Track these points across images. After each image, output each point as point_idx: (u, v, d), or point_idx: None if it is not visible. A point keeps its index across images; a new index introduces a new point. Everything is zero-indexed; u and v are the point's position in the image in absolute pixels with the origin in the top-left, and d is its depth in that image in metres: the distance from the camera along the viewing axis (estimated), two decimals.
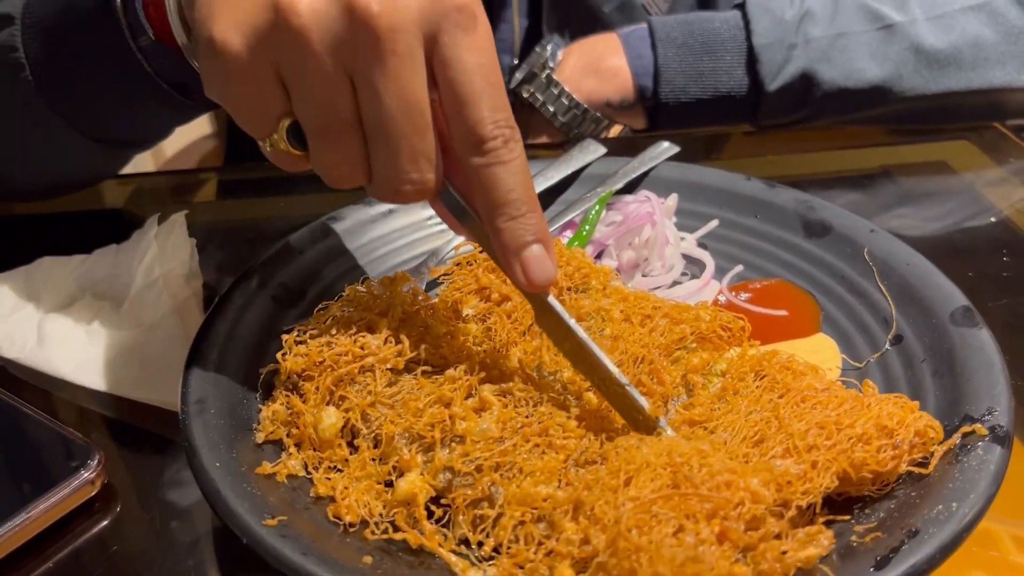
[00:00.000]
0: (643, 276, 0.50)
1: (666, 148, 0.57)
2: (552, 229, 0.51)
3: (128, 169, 0.64)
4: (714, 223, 0.52)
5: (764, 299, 0.47)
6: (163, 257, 0.54)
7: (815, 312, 0.47)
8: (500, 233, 0.34)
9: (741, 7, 0.66)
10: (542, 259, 0.35)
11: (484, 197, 0.34)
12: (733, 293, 0.48)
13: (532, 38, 0.74)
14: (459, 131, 0.33)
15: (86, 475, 0.38)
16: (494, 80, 0.33)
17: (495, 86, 0.33)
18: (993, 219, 0.57)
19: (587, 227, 0.51)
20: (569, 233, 0.52)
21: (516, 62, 0.75)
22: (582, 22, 0.72)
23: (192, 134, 1.30)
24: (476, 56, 0.33)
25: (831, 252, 0.48)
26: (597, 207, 0.52)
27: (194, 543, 0.38)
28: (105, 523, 0.39)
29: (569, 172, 0.56)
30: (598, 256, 0.51)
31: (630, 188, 0.55)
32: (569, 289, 0.44)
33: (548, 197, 0.55)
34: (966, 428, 0.35)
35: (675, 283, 0.50)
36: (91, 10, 0.45)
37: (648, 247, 0.50)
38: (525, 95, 0.67)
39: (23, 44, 0.49)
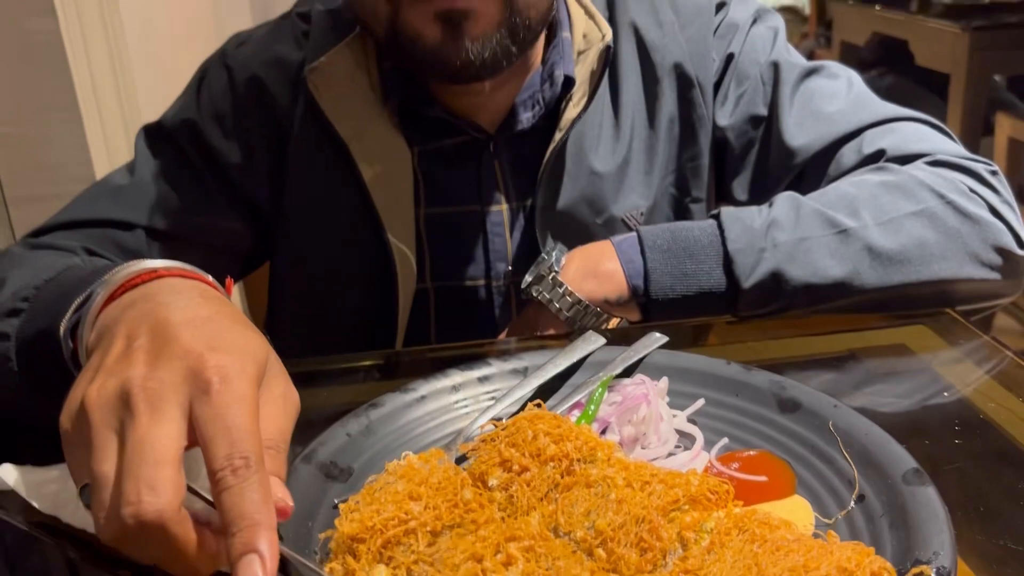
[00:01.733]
0: (642, 448, 0.58)
1: (657, 338, 0.66)
2: (562, 410, 0.60)
3: None
4: (701, 402, 0.60)
5: (747, 467, 0.55)
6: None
7: (791, 477, 0.54)
8: (229, 544, 0.40)
9: (716, 217, 0.77)
10: (250, 565, 0.39)
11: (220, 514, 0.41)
12: (720, 463, 0.55)
13: (524, 247, 0.86)
14: (207, 466, 0.42)
15: None
16: (229, 423, 0.41)
17: (229, 429, 0.41)
18: (947, 395, 0.66)
19: (592, 407, 0.60)
20: (576, 412, 0.60)
21: (510, 268, 0.86)
22: (571, 235, 0.83)
23: None
24: (210, 410, 0.41)
25: (802, 425, 0.56)
26: (600, 390, 0.61)
27: None
28: None
29: (575, 360, 0.65)
30: (603, 432, 0.59)
31: (627, 373, 0.63)
32: (578, 460, 0.51)
33: (558, 382, 0.63)
34: (915, 569, 0.42)
35: (670, 454, 0.57)
36: (52, 348, 0.56)
37: (645, 423, 0.58)
38: (535, 294, 0.77)
39: (15, 359, 0.61)
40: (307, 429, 0.63)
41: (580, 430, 0.54)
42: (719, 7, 0.90)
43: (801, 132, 0.85)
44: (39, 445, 0.62)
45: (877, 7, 2.90)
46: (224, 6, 2.02)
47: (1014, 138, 2.08)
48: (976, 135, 2.48)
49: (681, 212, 0.91)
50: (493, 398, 0.62)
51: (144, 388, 0.42)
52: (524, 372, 0.64)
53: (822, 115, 0.85)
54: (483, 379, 0.64)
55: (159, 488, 0.40)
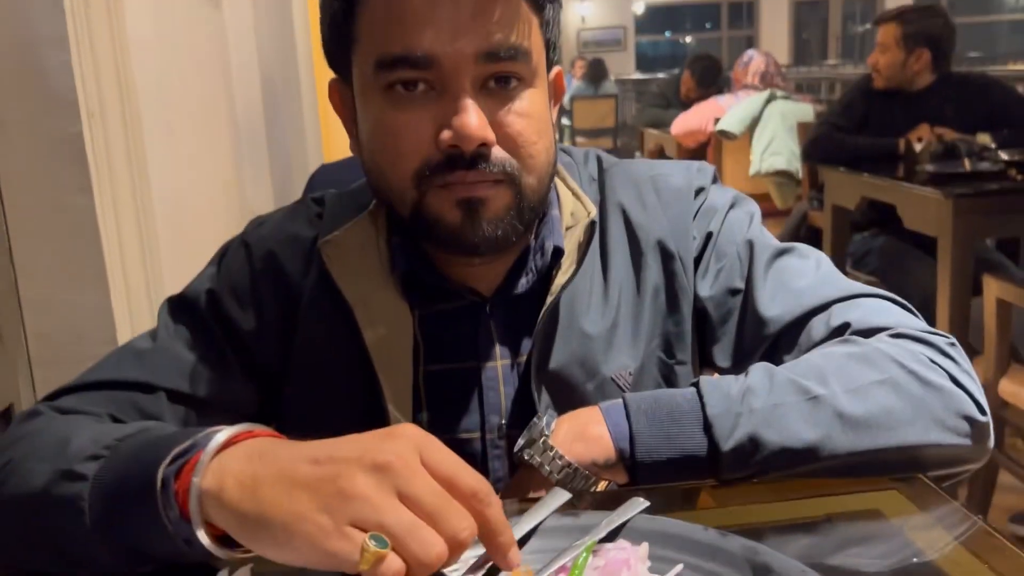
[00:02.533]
0: None
1: (639, 503, 0.71)
2: (547, 573, 0.63)
3: None
4: (680, 567, 0.64)
5: None
6: None
7: None
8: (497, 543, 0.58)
9: (696, 385, 0.82)
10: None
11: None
12: None
13: (518, 401, 0.91)
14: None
15: None
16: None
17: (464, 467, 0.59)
18: (916, 559, 0.69)
19: (576, 571, 0.63)
20: (563, 575, 0.64)
21: (504, 422, 0.92)
22: (563, 391, 0.89)
23: None
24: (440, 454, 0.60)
25: None
26: (584, 554, 0.64)
27: None
28: None
29: (546, 514, 0.69)
30: None
31: (611, 536, 0.67)
32: None
33: (545, 543, 0.67)
34: None
35: None
36: (138, 489, 0.63)
37: None
38: (526, 458, 0.81)
39: (88, 499, 0.67)
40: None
41: None
42: (698, 192, 0.99)
43: (773, 304, 0.92)
44: None
45: (865, 175, 3.05)
46: (249, 190, 2.17)
47: (1001, 299, 2.15)
48: (965, 295, 2.56)
49: (667, 373, 0.97)
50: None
51: (394, 453, 0.57)
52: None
53: (793, 290, 0.92)
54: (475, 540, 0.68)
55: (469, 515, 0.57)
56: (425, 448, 0.58)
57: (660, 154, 5.95)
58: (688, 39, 18.68)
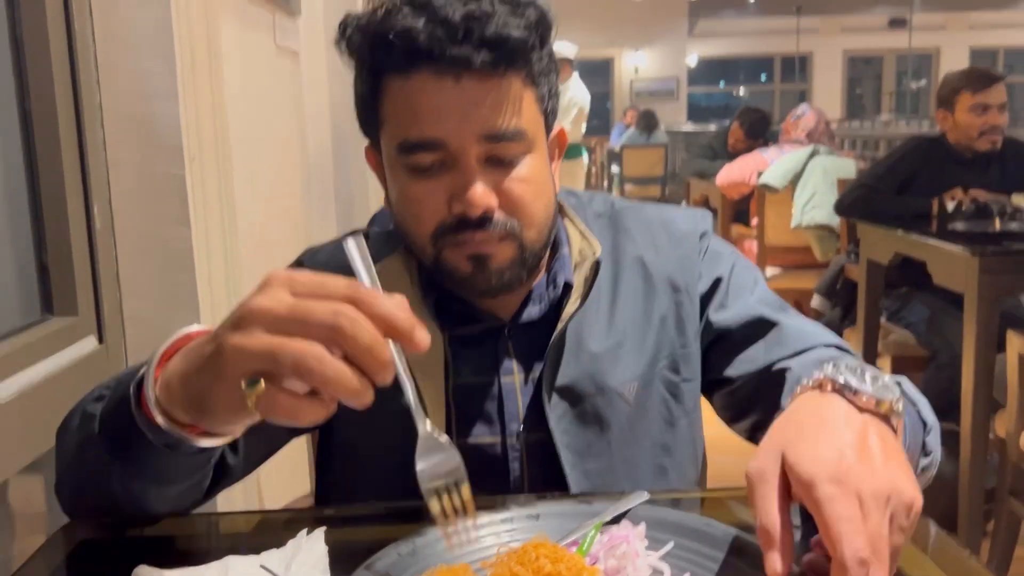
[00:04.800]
0: None
1: (642, 495, 0.86)
2: (563, 543, 0.78)
3: None
4: (670, 544, 0.79)
5: None
6: (303, 561, 0.81)
7: None
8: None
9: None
10: None
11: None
12: None
13: (533, 410, 1.04)
14: None
15: None
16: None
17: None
18: None
19: (586, 544, 0.78)
20: (574, 548, 0.79)
21: (521, 428, 1.05)
22: (573, 402, 1.03)
23: (292, 493, 1.61)
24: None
25: (751, 565, 0.74)
26: (593, 532, 0.80)
27: None
28: None
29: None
30: (593, 563, 0.77)
31: (616, 521, 0.82)
32: None
33: (561, 524, 0.82)
34: None
35: None
36: (122, 413, 0.78)
37: (625, 558, 0.76)
38: (838, 378, 0.78)
39: (99, 434, 0.82)
40: (366, 552, 0.82)
41: (572, 557, 0.73)
42: (702, 235, 1.16)
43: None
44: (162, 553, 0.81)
45: (899, 231, 3.15)
46: (315, 227, 2.37)
47: None
48: (991, 352, 2.64)
49: (673, 389, 1.11)
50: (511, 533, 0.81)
51: (254, 304, 0.62)
52: (537, 518, 0.84)
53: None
54: (504, 520, 0.84)
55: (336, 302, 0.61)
56: (293, 280, 0.62)
57: (705, 203, 6.08)
58: (741, 91, 18.83)
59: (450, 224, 0.97)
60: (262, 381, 0.60)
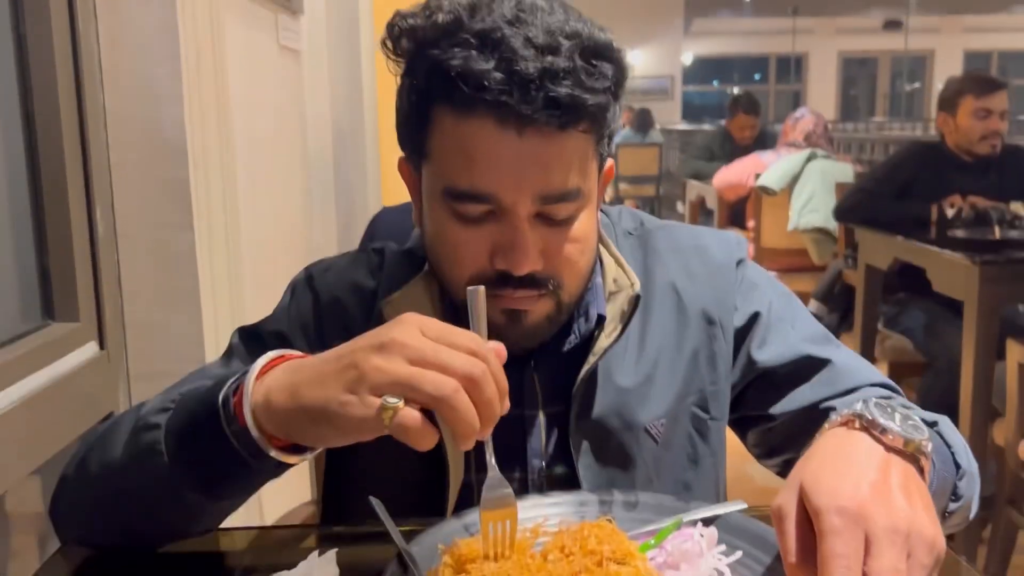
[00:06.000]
0: (675, 571, 0.76)
1: (739, 504, 0.86)
2: (636, 532, 0.80)
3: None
4: (738, 554, 0.78)
5: None
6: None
7: None
8: None
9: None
10: None
11: None
12: None
13: (557, 447, 1.00)
14: None
15: None
16: None
17: None
18: None
19: (659, 537, 0.80)
20: (649, 537, 0.80)
21: (543, 464, 1.00)
22: (601, 440, 0.99)
23: (292, 501, 1.59)
24: None
25: None
26: (671, 526, 0.81)
27: None
28: None
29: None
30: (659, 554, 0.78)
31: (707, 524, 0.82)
32: (608, 560, 0.71)
33: (649, 515, 0.85)
34: None
35: None
36: (204, 419, 0.78)
37: (687, 555, 0.77)
38: (866, 413, 0.77)
39: (164, 441, 0.81)
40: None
41: (623, 542, 0.74)
42: (738, 264, 1.09)
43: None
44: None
45: (899, 237, 3.14)
46: (316, 229, 2.35)
47: None
48: (990, 359, 2.64)
49: (700, 427, 1.05)
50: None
51: (396, 332, 0.70)
52: (635, 506, 0.87)
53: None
54: (603, 502, 0.88)
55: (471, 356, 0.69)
56: (424, 324, 0.70)
57: (701, 205, 6.09)
58: (735, 91, 18.84)
59: (489, 277, 0.90)
60: (401, 401, 0.66)
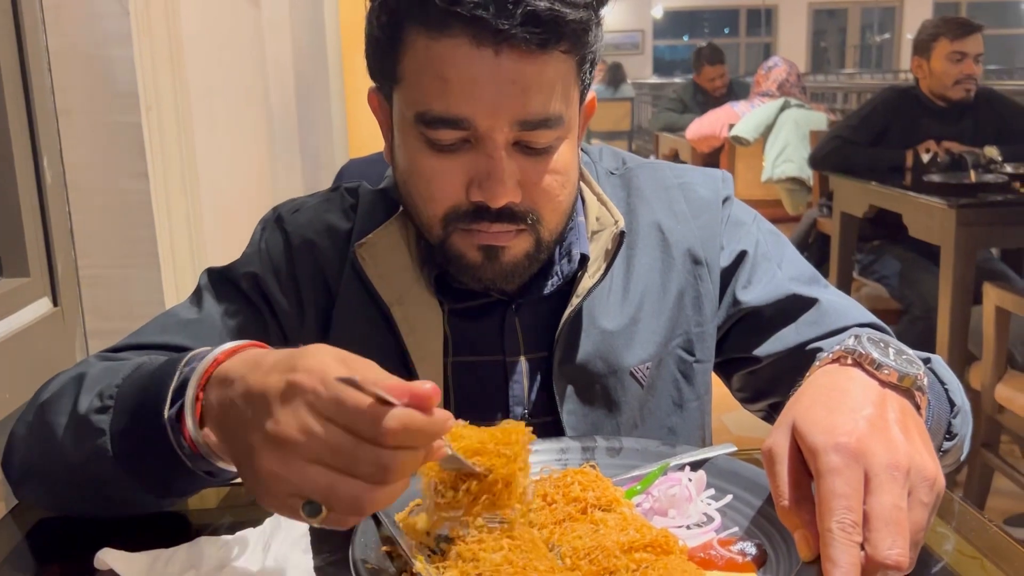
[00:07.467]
0: (663, 517, 0.73)
1: (729, 447, 0.82)
2: (622, 477, 0.77)
3: None
4: (729, 497, 0.75)
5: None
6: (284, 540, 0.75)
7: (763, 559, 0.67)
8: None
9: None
10: None
11: None
12: (719, 543, 0.69)
13: (540, 393, 0.96)
14: None
15: None
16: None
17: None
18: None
19: (645, 482, 0.77)
20: (635, 483, 0.77)
21: (526, 412, 0.97)
22: (585, 385, 0.95)
23: None
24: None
25: None
26: (657, 471, 0.77)
27: None
28: None
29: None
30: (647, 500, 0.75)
31: (696, 467, 0.80)
32: (593, 506, 0.69)
33: (636, 460, 0.82)
34: None
35: (689, 527, 0.72)
36: (152, 438, 0.70)
37: (676, 500, 0.73)
38: (861, 348, 0.73)
39: (111, 450, 0.74)
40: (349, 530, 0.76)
41: (607, 488, 0.71)
42: (724, 201, 1.05)
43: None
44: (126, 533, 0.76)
45: (873, 183, 3.12)
46: (281, 180, 2.28)
47: (1000, 307, 2.23)
48: (967, 304, 2.64)
49: (686, 370, 1.01)
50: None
51: (286, 425, 0.59)
52: (618, 452, 0.84)
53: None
54: (586, 448, 0.85)
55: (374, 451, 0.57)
56: (316, 401, 0.57)
57: (675, 158, 6.05)
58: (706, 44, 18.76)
59: (465, 210, 0.86)
60: (324, 509, 0.58)
